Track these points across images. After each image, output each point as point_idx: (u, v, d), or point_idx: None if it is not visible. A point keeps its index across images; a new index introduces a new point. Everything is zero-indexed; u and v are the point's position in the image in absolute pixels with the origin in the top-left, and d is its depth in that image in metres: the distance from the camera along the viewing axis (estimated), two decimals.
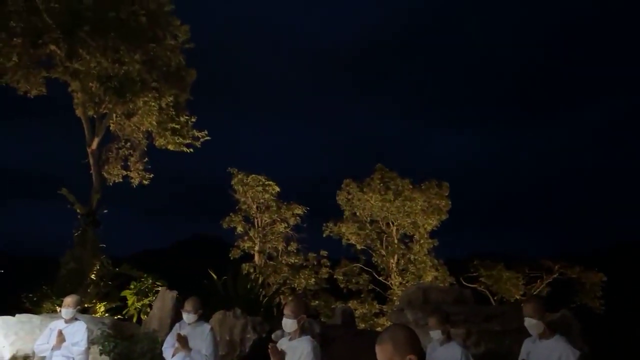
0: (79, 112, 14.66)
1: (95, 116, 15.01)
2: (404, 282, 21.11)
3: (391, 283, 21.62)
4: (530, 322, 3.93)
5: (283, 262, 21.24)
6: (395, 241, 22.26)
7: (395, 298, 20.09)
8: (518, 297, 20.51)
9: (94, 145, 14.96)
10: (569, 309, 8.70)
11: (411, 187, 21.82)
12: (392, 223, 22.31)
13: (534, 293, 20.41)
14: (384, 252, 22.07)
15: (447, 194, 22.04)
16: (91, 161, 14.88)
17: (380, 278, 22.15)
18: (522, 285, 21.09)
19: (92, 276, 13.38)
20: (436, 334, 4.58)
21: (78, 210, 14.16)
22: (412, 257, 21.54)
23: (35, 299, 12.57)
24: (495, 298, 21.32)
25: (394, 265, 21.85)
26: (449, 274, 21.57)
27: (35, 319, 8.48)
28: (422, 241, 21.75)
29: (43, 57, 13.78)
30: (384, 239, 22.42)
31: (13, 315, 8.37)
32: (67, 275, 13.05)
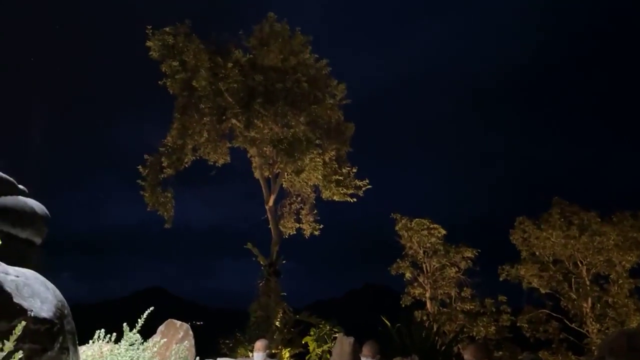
0: (257, 174, 16.60)
1: (270, 176, 16.79)
2: (602, 329, 18.35)
3: (587, 330, 18.96)
4: None
5: (457, 308, 20.23)
6: (587, 282, 19.66)
7: (594, 347, 17.52)
8: None
9: (271, 202, 16.63)
10: None
11: (599, 220, 19.32)
12: (581, 262, 19.84)
13: None
14: (574, 296, 19.60)
15: None
16: (269, 217, 16.53)
17: (573, 325, 19.60)
18: None
19: (277, 323, 14.47)
20: None
21: (261, 262, 15.65)
22: (610, 300, 18.74)
23: (230, 345, 14.04)
24: None
25: (588, 310, 19.22)
26: None
27: None
28: (620, 281, 18.86)
29: (226, 131, 16.08)
30: (573, 280, 19.96)
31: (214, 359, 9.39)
32: (255, 322, 14.37)
